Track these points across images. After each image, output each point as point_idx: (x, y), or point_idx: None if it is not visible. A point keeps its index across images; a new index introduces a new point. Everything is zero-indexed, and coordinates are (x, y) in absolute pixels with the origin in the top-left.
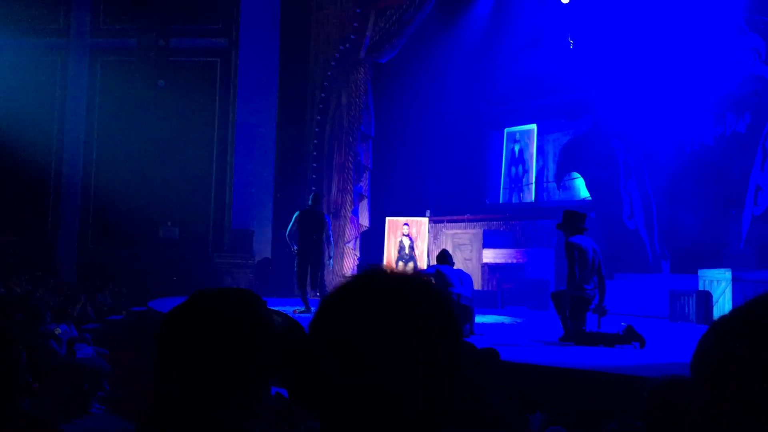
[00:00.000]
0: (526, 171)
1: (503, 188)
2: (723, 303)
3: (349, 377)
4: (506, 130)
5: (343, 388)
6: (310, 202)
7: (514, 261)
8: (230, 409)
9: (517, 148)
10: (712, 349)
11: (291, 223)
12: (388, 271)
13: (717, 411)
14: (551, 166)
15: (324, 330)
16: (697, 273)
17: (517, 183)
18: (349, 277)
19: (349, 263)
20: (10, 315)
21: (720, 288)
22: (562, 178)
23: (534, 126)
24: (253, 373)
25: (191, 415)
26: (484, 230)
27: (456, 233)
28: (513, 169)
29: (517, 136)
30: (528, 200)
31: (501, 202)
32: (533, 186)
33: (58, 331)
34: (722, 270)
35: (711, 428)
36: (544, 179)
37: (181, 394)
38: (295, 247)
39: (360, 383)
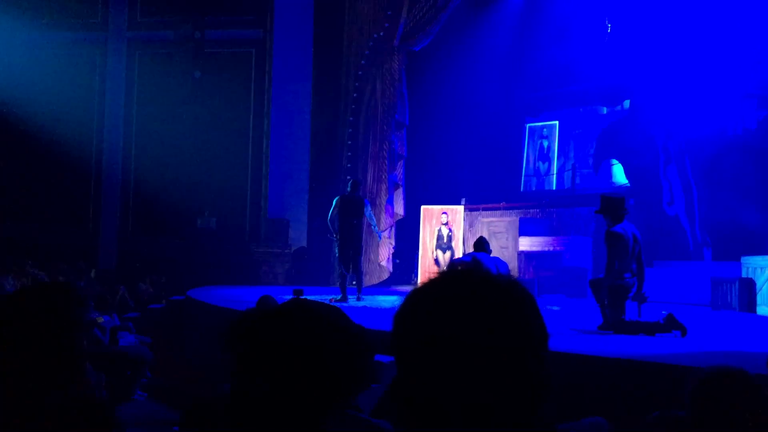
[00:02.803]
0: (551, 164)
1: (524, 177)
2: (767, 291)
3: (439, 374)
4: (528, 125)
5: (434, 386)
6: (349, 188)
7: (551, 249)
8: (310, 411)
9: (546, 144)
10: None
11: (332, 208)
12: (477, 272)
13: None
14: (571, 155)
15: (419, 327)
16: (740, 260)
17: (545, 175)
18: (439, 274)
19: (384, 252)
20: (62, 301)
21: (764, 275)
22: (599, 164)
23: (556, 122)
24: (340, 378)
25: (270, 412)
26: (520, 218)
27: (492, 221)
28: (541, 164)
29: (545, 131)
30: (559, 187)
31: (522, 190)
32: (554, 177)
33: (101, 320)
34: (766, 257)
35: None
36: (572, 166)
37: (264, 391)
38: (337, 235)
39: (448, 381)
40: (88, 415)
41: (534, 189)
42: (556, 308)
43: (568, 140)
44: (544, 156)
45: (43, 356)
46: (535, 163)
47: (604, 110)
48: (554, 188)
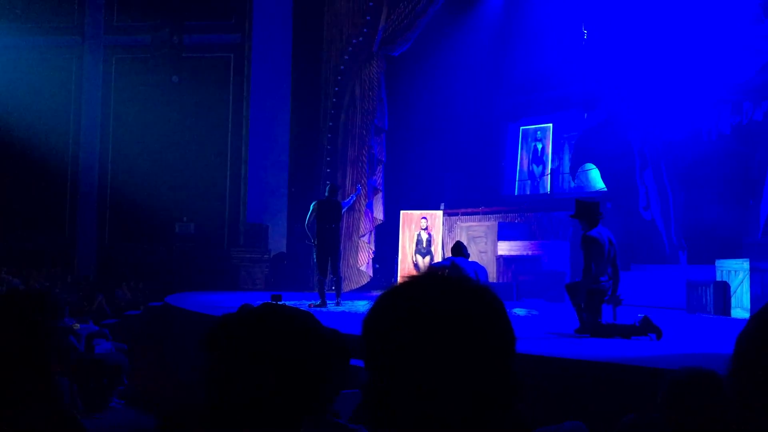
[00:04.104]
0: (545, 167)
1: (518, 182)
2: (741, 293)
3: (400, 376)
4: (522, 128)
5: (393, 388)
6: (326, 193)
7: (530, 253)
8: (283, 417)
9: (539, 147)
10: (751, 341)
11: (309, 213)
12: (444, 276)
13: (752, 402)
14: (566, 160)
15: (381, 330)
16: (714, 263)
17: (538, 179)
18: (407, 279)
19: (363, 257)
20: (35, 310)
21: (738, 278)
22: (577, 169)
23: (550, 125)
24: (312, 382)
25: (244, 418)
26: (499, 222)
27: (471, 226)
28: (536, 167)
29: (539, 134)
30: (543, 192)
31: (516, 194)
32: (549, 178)
33: (76, 326)
34: (740, 260)
35: (744, 420)
36: (560, 172)
37: (238, 397)
38: (315, 240)
39: (409, 384)
40: (56, 427)
41: (529, 192)
42: (534, 312)
43: (562, 143)
44: (538, 159)
45: (12, 366)
46: (529, 166)
47: (582, 117)
48: (548, 191)
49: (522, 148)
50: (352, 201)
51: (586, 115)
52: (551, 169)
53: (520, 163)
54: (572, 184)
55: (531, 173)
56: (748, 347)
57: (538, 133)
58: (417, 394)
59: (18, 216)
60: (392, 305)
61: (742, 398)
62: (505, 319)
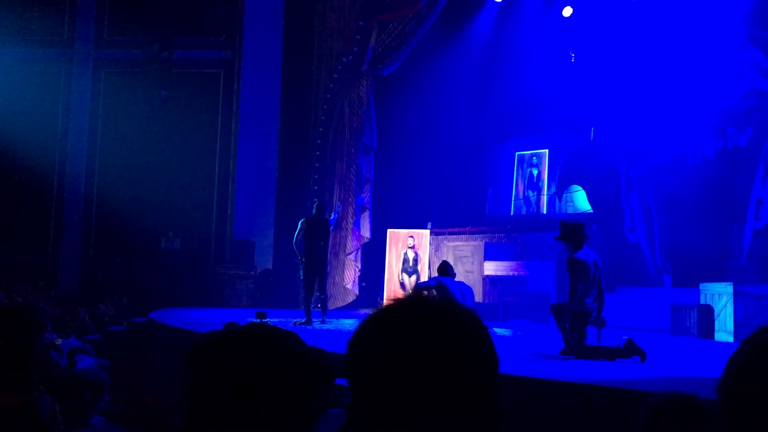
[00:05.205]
0: (540, 193)
1: (514, 208)
2: (724, 317)
3: (383, 401)
4: (518, 153)
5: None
6: (314, 211)
7: (516, 273)
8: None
9: (535, 173)
10: (739, 368)
11: (297, 231)
12: (429, 299)
13: (742, 425)
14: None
15: (366, 353)
16: (698, 287)
17: (533, 206)
18: (392, 301)
19: (350, 275)
20: (17, 325)
21: (721, 302)
22: (563, 190)
23: (546, 150)
24: (295, 403)
25: None
26: (485, 242)
27: (457, 245)
28: (531, 193)
29: (534, 160)
30: (550, 211)
31: (512, 214)
32: (545, 200)
33: (58, 341)
34: (724, 284)
35: None
36: (556, 198)
37: (220, 416)
38: (302, 258)
39: (389, 407)
40: None
41: (524, 213)
42: (519, 333)
43: (557, 169)
44: (534, 185)
45: None
46: (524, 192)
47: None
48: (545, 212)
49: (517, 174)
50: (335, 218)
51: (593, 129)
52: (548, 195)
53: (516, 188)
54: (568, 210)
55: (527, 199)
56: (739, 370)
57: (534, 158)
58: (400, 416)
59: (1, 228)
60: (378, 327)
61: (731, 421)
62: (489, 344)
